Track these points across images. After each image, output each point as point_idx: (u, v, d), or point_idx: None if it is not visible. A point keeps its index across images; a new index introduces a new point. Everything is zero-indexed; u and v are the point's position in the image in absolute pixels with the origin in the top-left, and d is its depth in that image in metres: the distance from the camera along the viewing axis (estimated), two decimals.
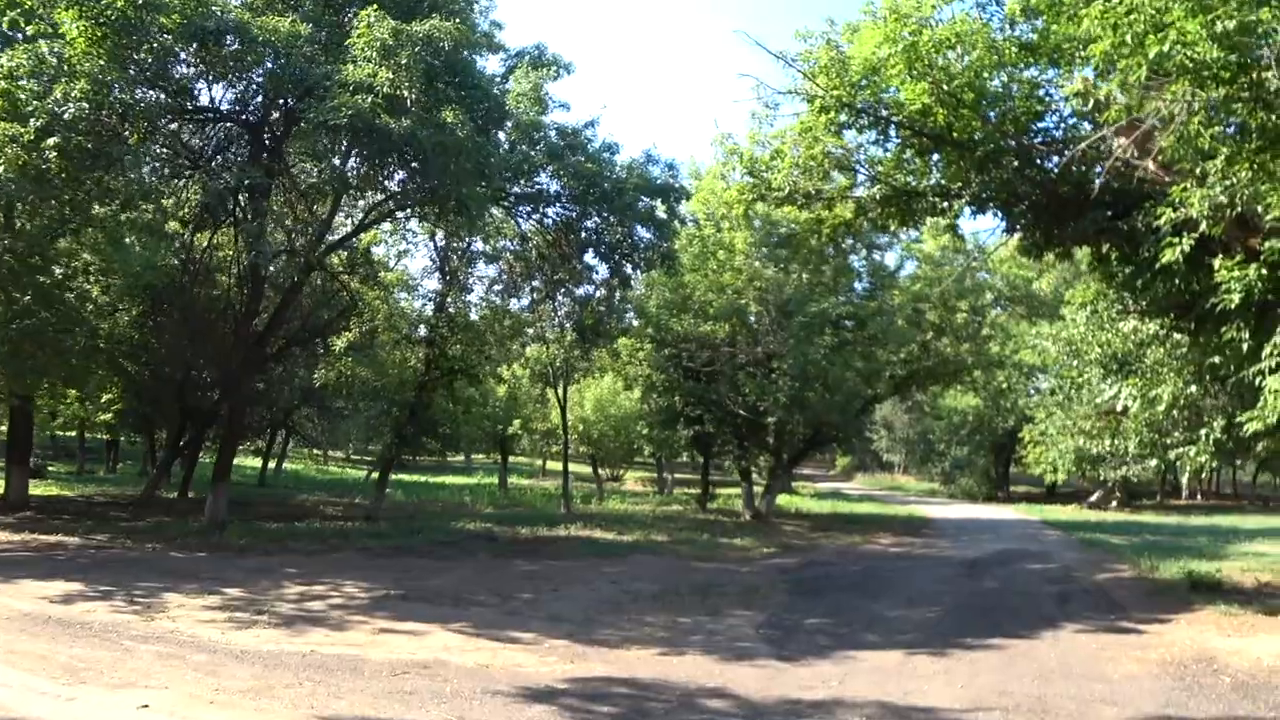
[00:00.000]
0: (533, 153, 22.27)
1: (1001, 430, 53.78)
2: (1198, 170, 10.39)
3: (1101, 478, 45.33)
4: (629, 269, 25.22)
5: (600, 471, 50.55)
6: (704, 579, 16.80)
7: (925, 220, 15.14)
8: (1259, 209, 11.26)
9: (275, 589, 14.03)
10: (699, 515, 32.43)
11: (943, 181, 13.57)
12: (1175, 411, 17.51)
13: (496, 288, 31.06)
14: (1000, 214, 14.39)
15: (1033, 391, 50.63)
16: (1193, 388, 17.04)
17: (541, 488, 49.81)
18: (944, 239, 29.23)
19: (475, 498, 39.13)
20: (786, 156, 13.49)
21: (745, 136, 14.29)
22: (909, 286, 31.04)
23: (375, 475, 36.77)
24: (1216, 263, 11.21)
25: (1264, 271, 10.84)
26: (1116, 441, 20.42)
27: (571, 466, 61.32)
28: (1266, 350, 11.08)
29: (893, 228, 14.90)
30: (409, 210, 22.67)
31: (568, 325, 31.29)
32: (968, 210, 14.97)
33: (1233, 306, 10.89)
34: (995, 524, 34.18)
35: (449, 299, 29.53)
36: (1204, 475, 50.67)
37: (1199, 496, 58.04)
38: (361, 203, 25.09)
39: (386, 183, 17.94)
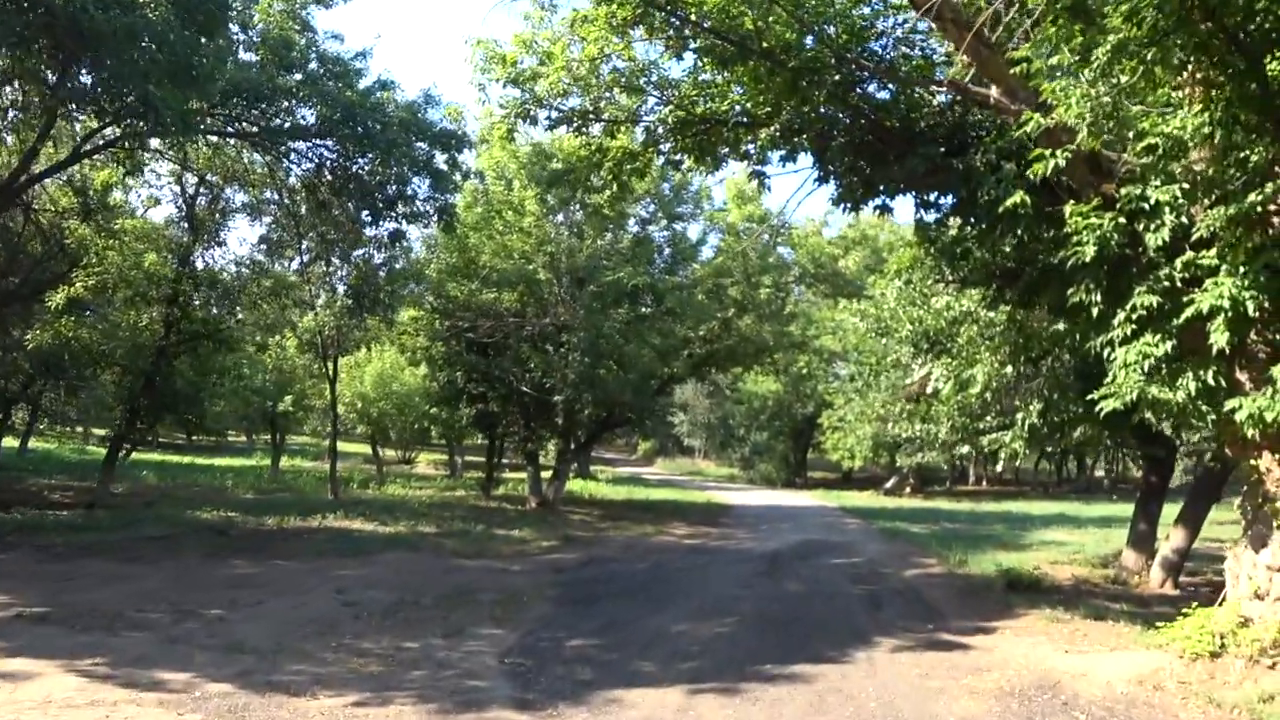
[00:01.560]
0: (281, 75, 18.82)
1: (801, 416, 53.20)
2: (1056, 90, 8.33)
3: (897, 464, 45.13)
4: (401, 223, 22.04)
5: (382, 453, 46.68)
6: (460, 583, 14.02)
7: (726, 160, 12.76)
8: (1118, 149, 9.43)
9: None
10: (482, 503, 29.55)
11: (747, 106, 11.19)
12: (988, 394, 15.95)
13: (261, 246, 27.49)
14: (813, 156, 12.17)
15: (833, 378, 50.23)
16: (1008, 369, 15.54)
17: (322, 470, 45.70)
18: (749, 208, 27.36)
19: (239, 482, 34.89)
20: (558, 59, 10.80)
21: (512, 42, 11.51)
22: (712, 260, 29.01)
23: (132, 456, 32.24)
24: (1068, 209, 9.26)
25: (1121, 221, 8.96)
26: (927, 426, 18.86)
27: (362, 448, 57.30)
28: (1120, 316, 9.22)
29: (688, 164, 12.46)
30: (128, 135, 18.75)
31: (340, 289, 27.97)
32: (776, 156, 12.77)
33: (1086, 260, 8.94)
34: (795, 511, 32.76)
35: (196, 252, 25.65)
36: (1016, 461, 51.45)
37: (984, 483, 59.41)
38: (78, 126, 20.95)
39: (49, 74, 14.02)
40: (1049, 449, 28.36)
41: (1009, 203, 9.38)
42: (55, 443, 52.19)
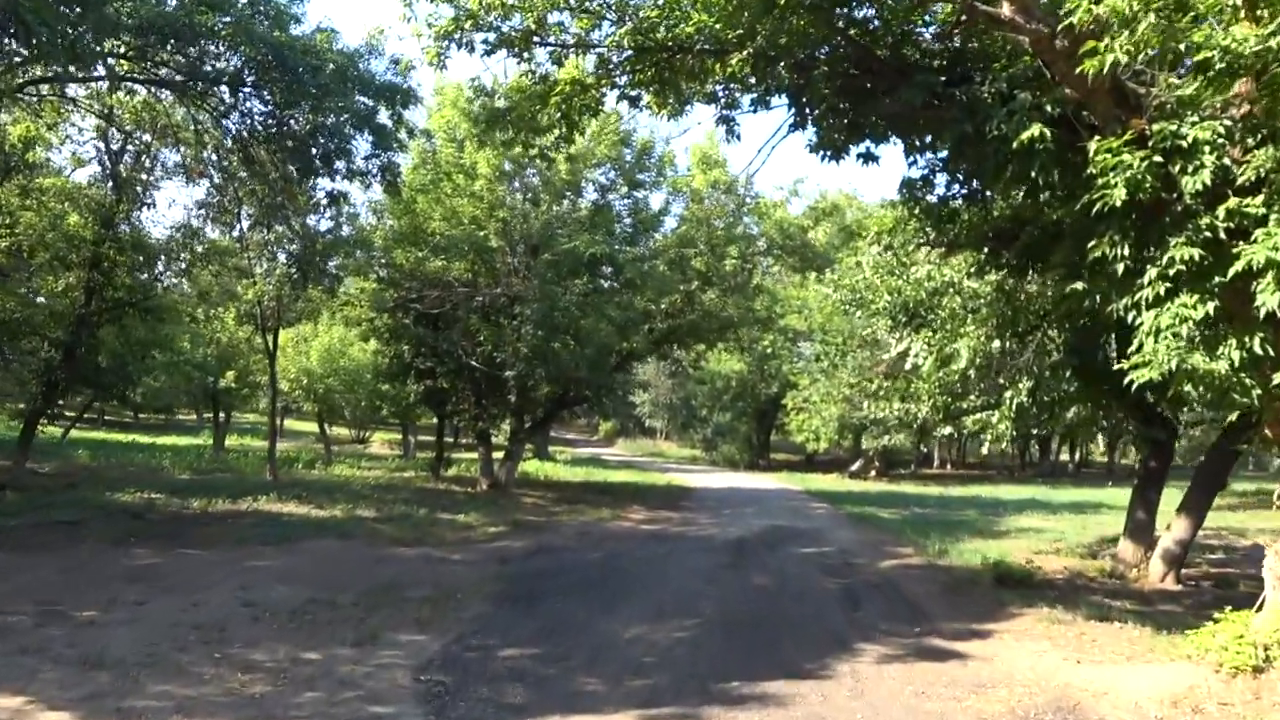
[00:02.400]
0: (203, 13, 16.98)
1: (765, 396, 51.95)
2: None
3: (862, 446, 43.91)
4: (336, 180, 20.34)
5: (331, 432, 44.80)
6: (389, 576, 12.48)
7: (691, 101, 11.21)
8: (1148, 76, 8.05)
9: None
10: (430, 484, 27.95)
11: (715, 29, 9.63)
12: (972, 371, 14.65)
13: (200, 211, 25.63)
14: (789, 97, 10.64)
15: (797, 357, 48.96)
16: (994, 344, 14.28)
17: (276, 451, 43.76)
18: (714, 174, 25.73)
19: (178, 461, 32.97)
20: None
21: None
22: (676, 230, 27.37)
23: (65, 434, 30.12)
24: (1093, 145, 7.86)
25: (1156, 160, 7.57)
26: (906, 405, 17.49)
27: (315, 427, 55.13)
28: (1150, 273, 7.83)
29: (647, 100, 10.88)
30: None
31: (280, 256, 26.12)
32: (747, 100, 11.29)
33: (1116, 204, 7.54)
34: (759, 495, 31.40)
35: (121, 214, 23.71)
36: (1003, 444, 49.98)
37: (949, 466, 58.56)
38: None
39: None
40: (1036, 430, 27.05)
41: (1024, 136, 7.94)
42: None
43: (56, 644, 8.23)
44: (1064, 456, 61.58)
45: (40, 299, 24.11)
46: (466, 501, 23.28)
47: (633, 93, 10.76)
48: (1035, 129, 7.89)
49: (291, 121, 18.70)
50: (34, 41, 10.63)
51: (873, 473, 46.47)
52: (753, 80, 10.62)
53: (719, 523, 21.54)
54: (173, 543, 14.55)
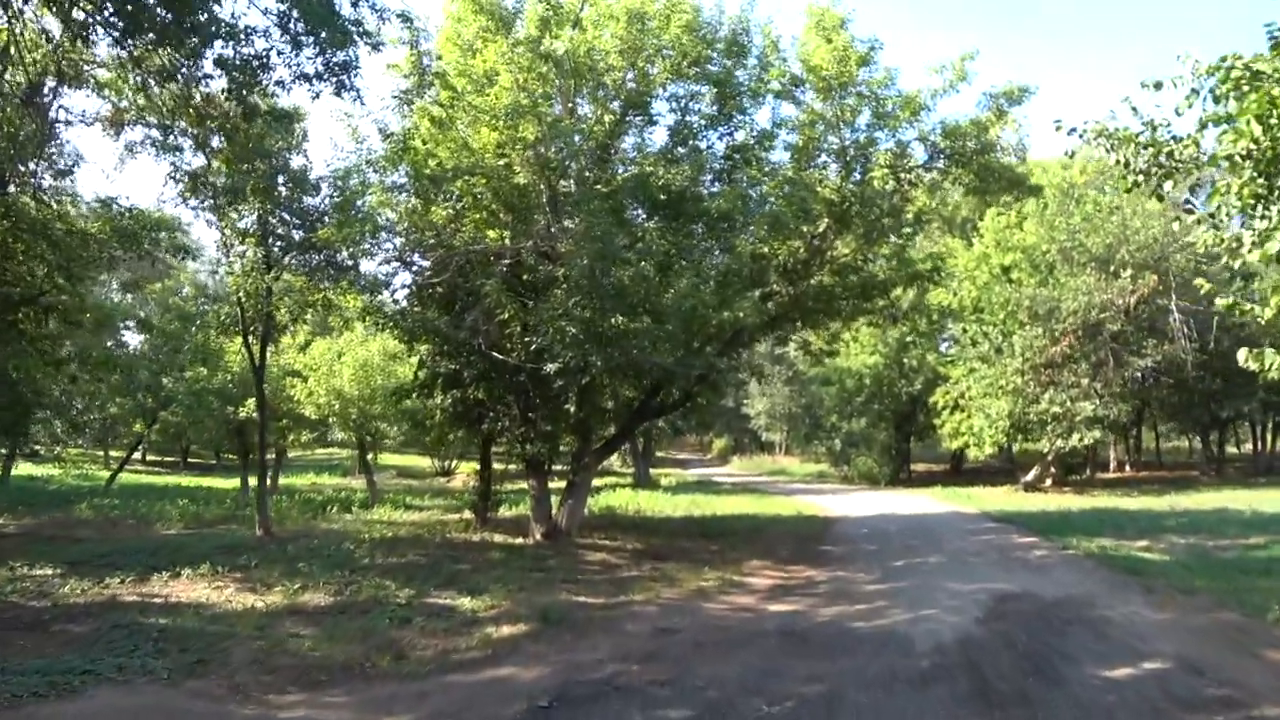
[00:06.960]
0: None
1: (905, 395, 42.86)
2: None
3: (1046, 450, 34.25)
4: (244, 84, 12.68)
5: (371, 463, 36.92)
6: None
7: None
8: None
9: None
10: (466, 535, 20.00)
11: None
12: None
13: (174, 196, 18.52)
14: None
15: (947, 342, 40.10)
16: None
17: (349, 488, 36.67)
18: (839, 41, 17.02)
19: (185, 511, 25.94)
20: None
21: None
22: (794, 145, 18.69)
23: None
24: None
25: None
26: None
27: (404, 460, 47.97)
28: None
29: None
30: None
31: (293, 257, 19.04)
32: None
33: None
34: (927, 524, 22.45)
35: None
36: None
37: (1127, 468, 47.70)
38: None
39: None
40: None
41: None
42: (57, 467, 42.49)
43: None
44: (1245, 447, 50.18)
45: None
46: (498, 564, 15.34)
47: None
48: None
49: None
50: None
51: (1048, 482, 36.77)
52: None
53: (896, 590, 12.80)
54: None
